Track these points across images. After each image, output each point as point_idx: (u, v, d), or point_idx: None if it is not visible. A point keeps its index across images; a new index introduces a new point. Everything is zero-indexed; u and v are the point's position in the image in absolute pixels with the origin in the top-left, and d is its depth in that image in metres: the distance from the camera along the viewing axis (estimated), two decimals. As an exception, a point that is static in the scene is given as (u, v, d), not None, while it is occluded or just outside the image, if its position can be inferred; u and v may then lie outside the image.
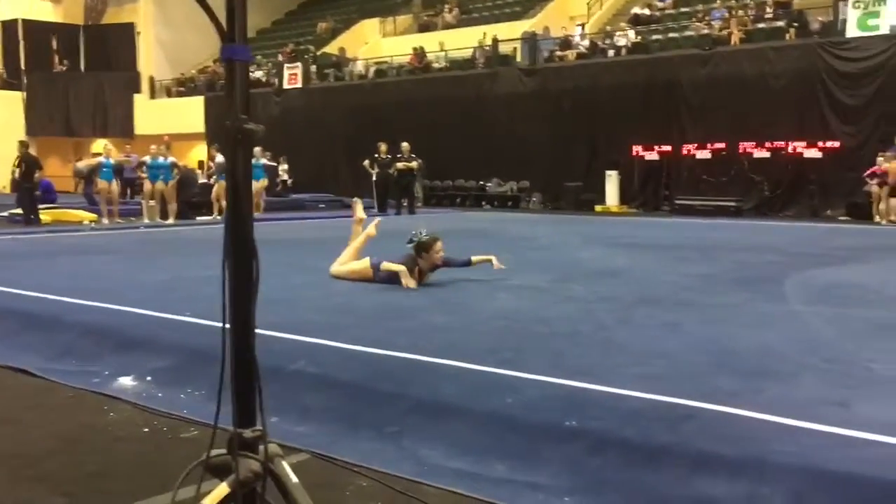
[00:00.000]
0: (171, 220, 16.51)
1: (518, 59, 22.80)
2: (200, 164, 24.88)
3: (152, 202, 17.22)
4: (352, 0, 33.39)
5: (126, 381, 4.48)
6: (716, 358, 4.30)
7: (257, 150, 20.10)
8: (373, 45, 29.53)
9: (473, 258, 7.33)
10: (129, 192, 20.08)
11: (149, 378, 4.48)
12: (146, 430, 3.74)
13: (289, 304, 5.95)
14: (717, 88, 18.55)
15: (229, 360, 1.82)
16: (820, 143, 17.41)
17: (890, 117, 16.59)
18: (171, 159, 17.03)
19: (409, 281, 6.77)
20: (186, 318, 5.39)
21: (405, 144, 19.41)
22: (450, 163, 22.43)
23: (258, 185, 19.12)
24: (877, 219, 15.87)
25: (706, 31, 19.93)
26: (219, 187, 17.23)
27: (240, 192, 1.81)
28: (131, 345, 4.95)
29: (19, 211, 16.41)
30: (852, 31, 17.19)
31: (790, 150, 17.74)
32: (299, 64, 26.87)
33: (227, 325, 1.81)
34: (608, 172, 19.98)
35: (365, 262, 7.21)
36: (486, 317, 5.61)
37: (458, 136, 22.12)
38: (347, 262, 7.46)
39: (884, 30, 16.85)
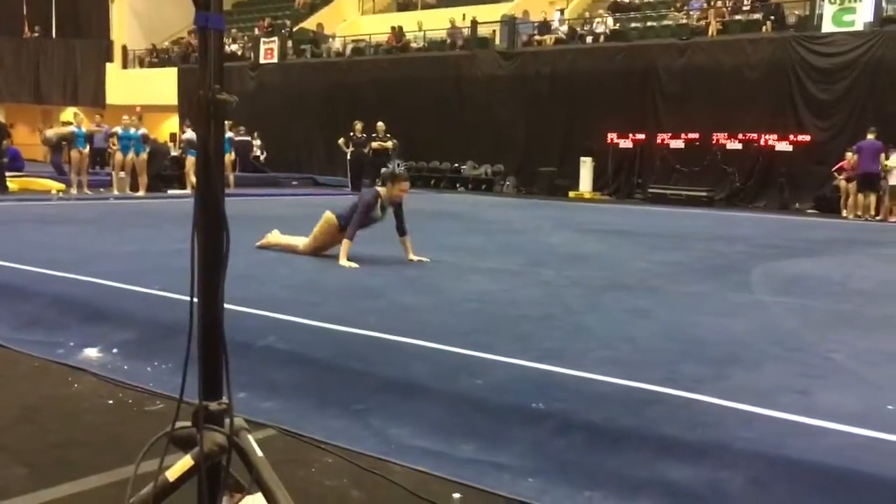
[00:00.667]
0: (140, 193, 16.31)
1: (497, 42, 22.76)
2: (172, 136, 24.62)
3: (122, 174, 16.98)
4: (331, -24, 33.05)
5: (92, 353, 4.43)
6: (682, 345, 4.36)
7: (227, 123, 19.91)
8: (351, 22, 29.30)
9: (408, 243, 7.33)
10: (98, 162, 19.80)
11: (115, 350, 4.44)
12: (111, 402, 3.71)
13: (258, 279, 5.92)
14: (693, 78, 18.68)
15: (196, 333, 1.81)
16: (791, 137, 17.63)
17: (861, 113, 16.82)
18: (142, 131, 16.80)
19: (346, 260, 6.89)
20: (155, 290, 5.34)
21: (380, 124, 19.33)
22: (425, 144, 22.38)
23: (226, 158, 19.04)
24: (844, 213, 16.12)
25: (684, 21, 20.02)
26: (189, 163, 17.05)
27: (211, 165, 1.79)
28: (98, 316, 4.90)
29: (-15, 178, 16.10)
30: (828, 26, 17.37)
31: (762, 142, 17.93)
32: (276, 38, 26.59)
33: (196, 299, 1.80)
34: (582, 159, 20.06)
35: (326, 218, 7.33)
36: (457, 298, 5.62)
37: (434, 117, 22.08)
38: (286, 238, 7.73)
39: (858, 26, 17.04)
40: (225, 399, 1.87)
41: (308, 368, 3.94)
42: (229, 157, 18.86)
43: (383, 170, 7.43)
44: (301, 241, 7.54)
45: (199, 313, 1.82)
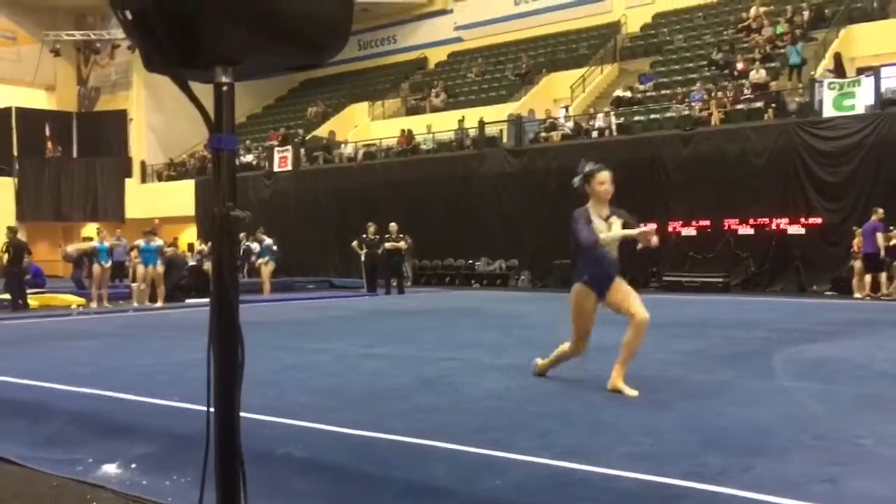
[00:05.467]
0: (159, 304, 16.48)
1: (504, 140, 23.24)
2: (190, 246, 24.96)
3: (143, 285, 17.22)
4: (341, 85, 34.16)
5: (110, 469, 4.41)
6: (705, 435, 4.29)
7: (259, 231, 20.44)
8: (362, 128, 30.08)
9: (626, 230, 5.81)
10: (118, 275, 20.08)
11: (133, 465, 4.41)
12: (129, 518, 3.67)
13: (278, 386, 5.91)
14: (700, 166, 18.90)
15: (213, 446, 1.82)
16: (802, 220, 17.67)
17: (870, 193, 16.92)
18: (157, 243, 17.13)
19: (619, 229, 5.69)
20: (173, 402, 5.34)
21: (393, 225, 19.58)
22: (439, 242, 22.59)
23: (268, 268, 19.59)
24: (855, 294, 16.06)
25: (687, 112, 20.42)
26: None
27: (225, 278, 1.84)
28: (117, 431, 4.89)
29: (7, 296, 16.34)
30: (829, 111, 17.66)
31: (773, 226, 17.98)
32: (289, 147, 27.28)
33: (212, 410, 1.82)
34: (596, 250, 20.11)
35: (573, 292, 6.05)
36: (476, 396, 5.59)
37: (446, 215, 22.35)
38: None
39: (860, 109, 17.33)
40: (243, 511, 1.87)
41: (328, 476, 3.89)
42: (265, 266, 19.90)
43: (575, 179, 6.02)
44: (565, 346, 6.30)
45: (216, 425, 1.83)
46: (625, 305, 5.82)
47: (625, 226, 5.78)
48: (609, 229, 5.73)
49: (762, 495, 3.21)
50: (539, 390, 5.81)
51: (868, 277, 15.81)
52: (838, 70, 19.01)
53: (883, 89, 17.72)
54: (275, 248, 20.45)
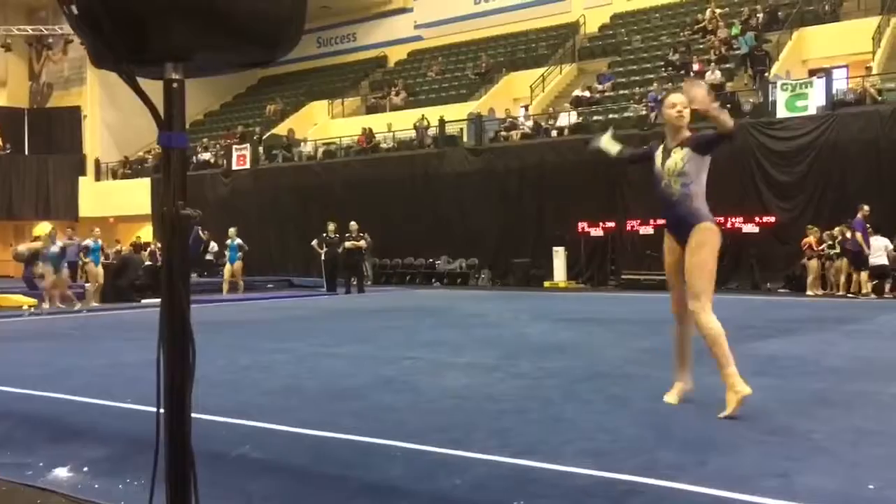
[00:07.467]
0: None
1: (465, 139, 23.28)
2: (146, 245, 24.58)
3: (96, 285, 16.93)
4: (300, 83, 33.91)
5: (61, 473, 4.31)
6: (660, 432, 4.34)
7: (232, 230, 20.11)
8: (321, 126, 29.88)
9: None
10: (70, 275, 19.66)
11: (86, 468, 4.33)
12: (81, 523, 3.60)
13: (234, 386, 5.85)
14: (657, 166, 19.11)
15: (164, 448, 1.79)
16: (757, 218, 17.98)
17: (822, 193, 17.27)
18: (99, 242, 17.03)
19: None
20: (127, 404, 5.26)
21: (353, 224, 19.50)
22: (399, 241, 22.55)
23: (236, 266, 19.56)
24: (808, 291, 16.40)
25: (644, 112, 20.64)
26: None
27: (175, 277, 1.82)
28: (69, 434, 4.79)
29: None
30: (782, 111, 17.99)
31: (729, 225, 18.26)
32: (247, 145, 27.00)
33: (162, 412, 1.79)
34: (555, 248, 20.27)
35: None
36: (434, 395, 5.58)
37: (406, 214, 22.33)
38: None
39: (811, 110, 17.68)
40: (194, 514, 1.84)
41: (283, 477, 3.86)
42: (237, 264, 19.77)
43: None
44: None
45: (166, 427, 1.81)
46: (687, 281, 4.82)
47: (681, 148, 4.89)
48: (666, 162, 5.00)
49: (715, 490, 3.25)
50: (498, 389, 5.83)
51: (812, 278, 16.26)
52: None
53: (834, 91, 18.11)
54: (246, 247, 20.23)
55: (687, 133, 4.96)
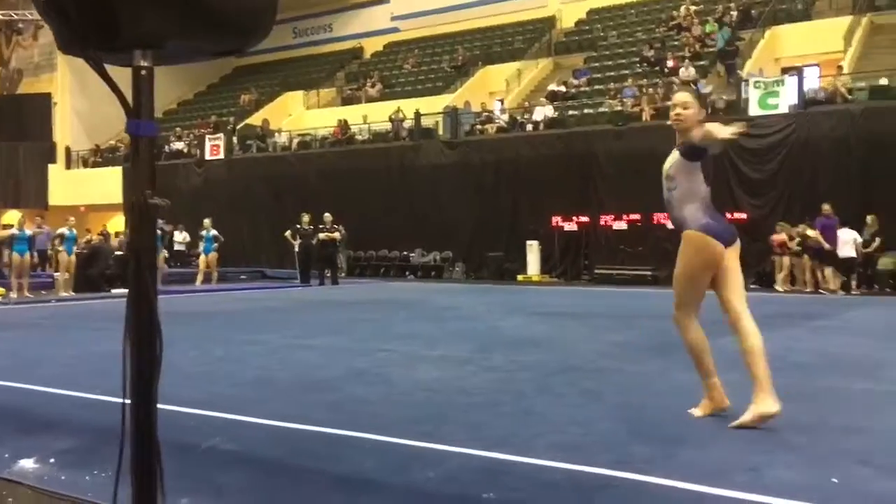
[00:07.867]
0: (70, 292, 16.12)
1: (440, 132, 23.25)
2: (106, 235, 24.25)
3: (67, 275, 16.72)
4: (275, 73, 33.66)
5: (27, 464, 4.25)
6: (632, 425, 4.37)
7: (207, 221, 19.92)
8: (296, 117, 29.70)
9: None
10: (39, 264, 19.43)
11: (52, 460, 4.27)
12: (47, 515, 3.55)
13: (205, 378, 5.81)
14: (631, 162, 19.19)
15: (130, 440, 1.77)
16: (728, 215, 18.11)
17: (793, 190, 17.47)
18: (59, 230, 16.86)
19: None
20: (95, 395, 5.19)
21: (327, 215, 19.42)
22: (373, 233, 22.50)
23: (210, 256, 19.34)
24: (777, 287, 16.61)
25: (619, 108, 20.74)
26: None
27: (142, 267, 1.79)
28: (36, 425, 4.73)
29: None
30: (754, 109, 18.15)
31: (701, 221, 18.43)
32: (221, 135, 26.76)
33: (128, 402, 1.76)
34: (529, 242, 20.33)
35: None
36: (407, 388, 5.57)
37: (381, 206, 22.27)
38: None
39: (783, 108, 17.86)
40: (161, 508, 1.82)
41: (255, 469, 3.83)
42: (214, 255, 19.64)
43: None
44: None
45: (132, 418, 1.78)
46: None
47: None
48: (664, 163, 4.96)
49: (686, 483, 3.28)
50: (471, 382, 5.83)
51: (782, 274, 16.49)
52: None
53: (806, 89, 18.30)
54: (222, 238, 20.08)
55: (689, 136, 4.82)
